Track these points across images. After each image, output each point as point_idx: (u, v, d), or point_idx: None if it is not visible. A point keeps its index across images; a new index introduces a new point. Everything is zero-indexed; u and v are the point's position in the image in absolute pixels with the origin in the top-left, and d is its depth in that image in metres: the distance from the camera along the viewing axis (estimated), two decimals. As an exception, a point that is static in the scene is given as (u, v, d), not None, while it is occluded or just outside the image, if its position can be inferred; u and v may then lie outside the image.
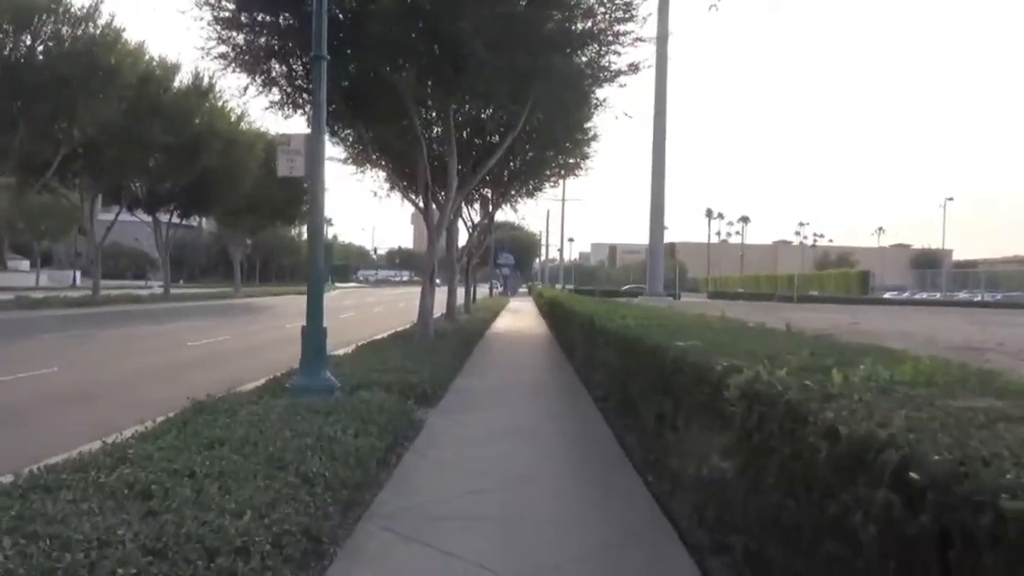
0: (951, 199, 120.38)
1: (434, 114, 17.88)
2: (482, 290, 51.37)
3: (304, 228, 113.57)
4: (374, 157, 18.42)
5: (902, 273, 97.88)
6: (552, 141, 20.65)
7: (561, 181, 28.28)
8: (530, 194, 27.74)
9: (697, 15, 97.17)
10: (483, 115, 19.42)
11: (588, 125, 21.57)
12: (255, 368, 10.95)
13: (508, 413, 8.28)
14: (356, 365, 9.98)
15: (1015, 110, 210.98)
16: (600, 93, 17.35)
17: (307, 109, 15.86)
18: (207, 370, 12.08)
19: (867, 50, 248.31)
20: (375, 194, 23.67)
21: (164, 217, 42.69)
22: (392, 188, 19.11)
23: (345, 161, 21.68)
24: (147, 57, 29.36)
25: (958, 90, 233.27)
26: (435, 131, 18.45)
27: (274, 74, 13.58)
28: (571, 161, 24.40)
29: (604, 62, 15.04)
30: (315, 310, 8.05)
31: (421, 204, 15.69)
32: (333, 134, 17.67)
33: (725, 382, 3.16)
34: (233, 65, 13.07)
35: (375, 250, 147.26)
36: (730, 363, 3.32)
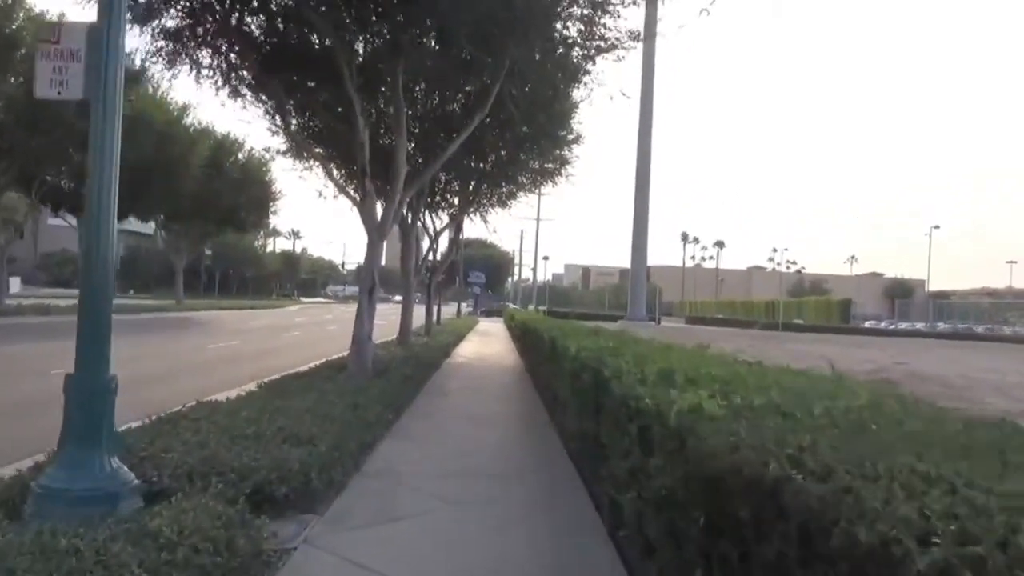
0: (937, 227, 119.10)
1: (383, 104, 14.56)
2: (449, 310, 47.66)
3: (271, 240, 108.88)
4: (307, 141, 14.92)
5: (875, 302, 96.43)
6: (528, 137, 17.43)
7: (537, 190, 24.95)
8: (502, 202, 24.40)
9: (670, 36, 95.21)
10: (450, 107, 16.24)
11: (572, 121, 18.57)
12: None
13: (448, 538, 4.74)
14: (226, 424, 6.37)
15: (987, 142, 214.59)
16: (592, 71, 14.28)
17: (215, 73, 12.37)
18: (14, 425, 8.38)
19: (839, 80, 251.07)
20: (320, 194, 20.30)
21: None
22: (329, 179, 15.53)
23: (284, 154, 18.48)
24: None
25: (934, 120, 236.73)
26: (388, 112, 15.11)
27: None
28: (548, 167, 21.30)
29: (598, 28, 11.97)
30: (93, 345, 4.34)
31: (358, 195, 12.16)
32: (266, 108, 14.14)
33: None
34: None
35: (343, 264, 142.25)
36: None
